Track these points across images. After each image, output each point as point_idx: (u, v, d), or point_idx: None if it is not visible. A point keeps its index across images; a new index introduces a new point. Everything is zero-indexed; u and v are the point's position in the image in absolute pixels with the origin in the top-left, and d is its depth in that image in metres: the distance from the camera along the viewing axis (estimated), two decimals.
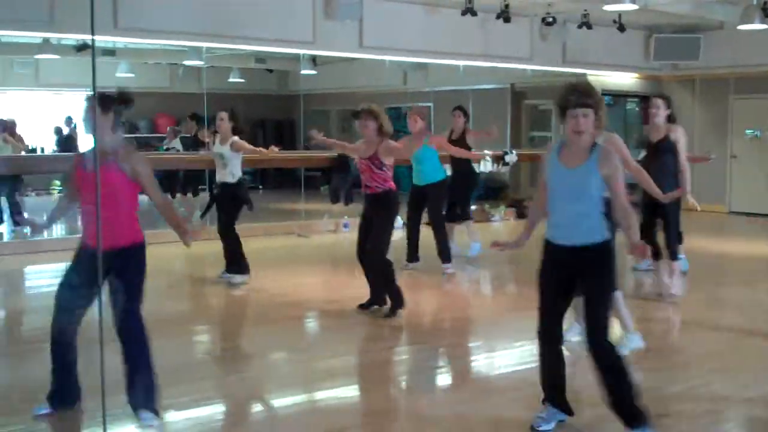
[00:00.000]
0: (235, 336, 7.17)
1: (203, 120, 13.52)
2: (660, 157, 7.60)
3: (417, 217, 9.45)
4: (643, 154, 8.10)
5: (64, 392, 4.79)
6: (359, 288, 7.42)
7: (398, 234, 8.49)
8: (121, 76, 17.15)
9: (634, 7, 11.32)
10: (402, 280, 7.57)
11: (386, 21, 12.48)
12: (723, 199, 15.78)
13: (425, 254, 9.50)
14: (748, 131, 15.53)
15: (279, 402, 5.24)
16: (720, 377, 5.90)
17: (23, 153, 14.05)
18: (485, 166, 12.09)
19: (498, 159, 10.81)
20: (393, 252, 7.42)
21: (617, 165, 4.36)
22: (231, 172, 8.49)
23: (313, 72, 17.01)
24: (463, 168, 10.48)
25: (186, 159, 13.45)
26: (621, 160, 4.97)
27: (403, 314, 7.15)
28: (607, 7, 11.64)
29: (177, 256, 9.33)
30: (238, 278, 8.57)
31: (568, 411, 4.64)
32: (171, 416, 4.77)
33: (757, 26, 12.39)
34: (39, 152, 17.43)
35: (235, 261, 8.64)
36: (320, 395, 5.41)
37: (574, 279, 4.45)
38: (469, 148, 10.22)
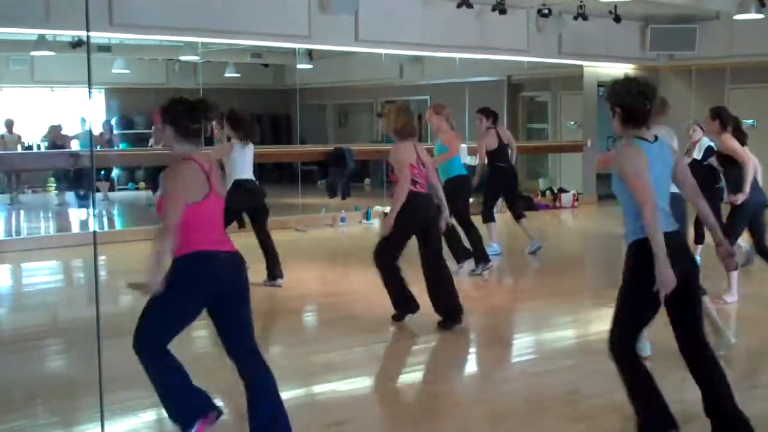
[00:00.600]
0: None
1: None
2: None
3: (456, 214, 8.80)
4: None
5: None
6: (357, 282, 7.42)
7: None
8: (116, 72, 17.15)
9: None
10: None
11: (382, 14, 12.46)
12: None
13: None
14: (744, 121, 15.52)
15: None
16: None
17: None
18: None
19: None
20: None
21: (621, 163, 4.15)
22: (230, 175, 8.40)
23: (309, 66, 17.00)
24: (489, 169, 10.31)
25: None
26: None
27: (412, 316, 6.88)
28: None
29: None
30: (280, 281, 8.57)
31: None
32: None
33: (753, 16, 12.40)
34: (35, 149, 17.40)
35: (274, 265, 8.59)
36: (318, 389, 5.42)
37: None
38: (506, 147, 10.24)
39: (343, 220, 13.17)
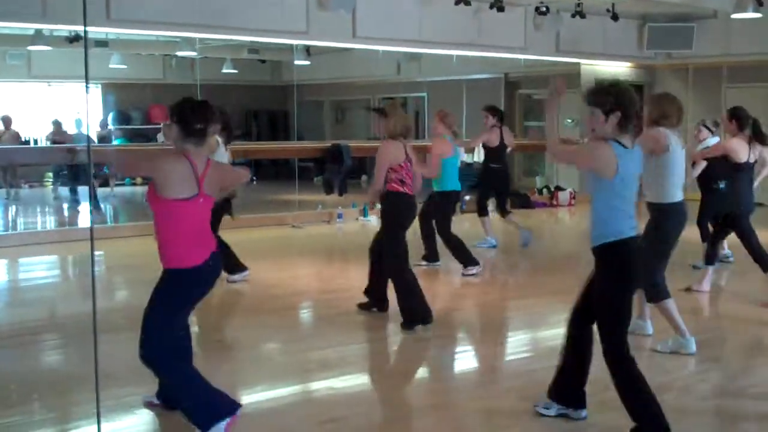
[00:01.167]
0: (229, 327, 7.17)
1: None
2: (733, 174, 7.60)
3: (429, 218, 8.99)
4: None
5: (167, 394, 4.66)
6: (354, 279, 7.41)
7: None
8: (113, 67, 17.12)
9: None
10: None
11: (380, 11, 12.45)
12: None
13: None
14: None
15: (273, 393, 5.25)
16: (716, 366, 5.93)
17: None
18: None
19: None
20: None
21: (594, 156, 4.29)
22: None
23: (307, 62, 16.99)
24: (485, 165, 10.50)
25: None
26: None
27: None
28: None
29: None
30: (236, 277, 8.46)
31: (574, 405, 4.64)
32: (164, 408, 4.77)
33: (751, 15, 12.41)
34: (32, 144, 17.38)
35: (230, 260, 8.46)
36: (315, 386, 5.42)
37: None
38: (505, 147, 10.34)
39: (339, 216, 13.18)
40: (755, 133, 7.72)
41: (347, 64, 17.63)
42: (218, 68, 18.16)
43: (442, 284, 8.77)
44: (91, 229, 3.35)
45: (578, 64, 15.78)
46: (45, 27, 12.96)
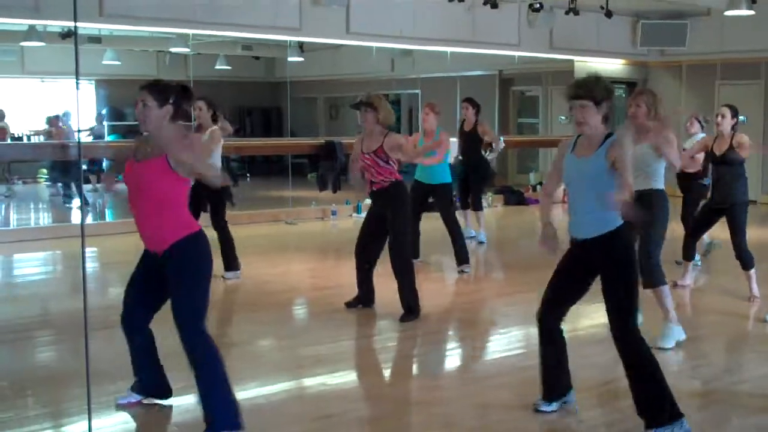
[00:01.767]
0: (222, 323, 7.16)
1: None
2: (726, 170, 7.55)
3: (418, 213, 9.04)
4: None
5: (147, 384, 4.72)
6: (347, 276, 7.41)
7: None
8: (107, 63, 17.08)
9: None
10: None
11: (373, 7, 12.44)
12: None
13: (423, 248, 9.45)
14: None
15: (266, 389, 5.25)
16: (709, 360, 5.96)
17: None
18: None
19: (485, 147, 10.90)
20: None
21: (626, 149, 4.30)
22: (213, 164, 8.25)
23: (300, 59, 16.96)
24: (474, 158, 10.60)
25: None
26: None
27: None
28: None
29: None
30: (230, 275, 8.46)
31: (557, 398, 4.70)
32: (152, 408, 4.78)
33: (744, 12, 12.40)
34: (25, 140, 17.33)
35: (229, 257, 8.49)
36: (307, 382, 5.42)
37: (589, 272, 4.46)
38: (481, 141, 10.44)
39: (333, 213, 13.18)
40: None
41: (341, 61, 17.61)
42: (211, 65, 18.12)
43: (435, 280, 8.78)
44: (82, 225, 3.30)
45: (572, 61, 15.78)
46: (38, 23, 12.92)
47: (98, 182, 16.18)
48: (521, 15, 14.12)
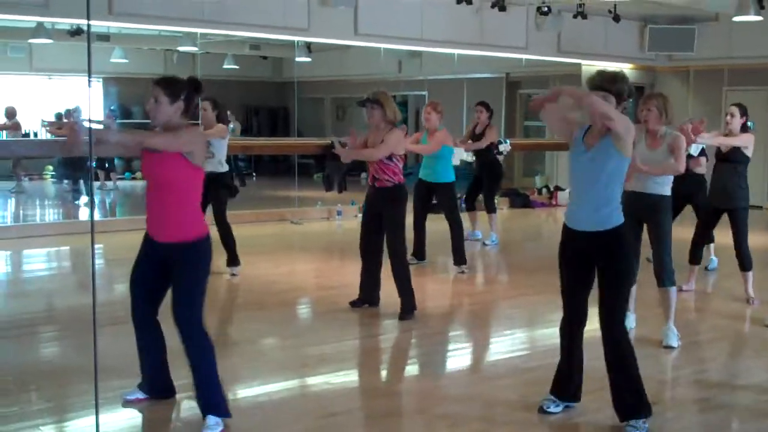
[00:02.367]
0: (227, 322, 7.19)
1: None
2: (732, 168, 7.55)
3: (424, 213, 9.19)
4: None
5: (153, 383, 4.77)
6: (352, 275, 7.43)
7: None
8: (115, 61, 17.13)
9: None
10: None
11: (381, 8, 12.47)
12: None
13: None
14: None
15: (270, 387, 5.26)
16: (711, 366, 5.96)
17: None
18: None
19: (493, 147, 10.94)
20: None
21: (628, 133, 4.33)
22: (220, 161, 8.31)
23: (308, 59, 16.98)
24: (487, 160, 10.66)
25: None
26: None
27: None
28: None
29: None
30: (236, 270, 8.49)
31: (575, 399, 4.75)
32: (158, 403, 4.80)
33: (752, 18, 12.41)
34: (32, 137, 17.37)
35: (232, 252, 8.51)
36: (312, 381, 5.43)
37: (588, 262, 4.49)
38: (492, 143, 10.59)
39: (339, 213, 13.20)
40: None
41: (348, 62, 17.63)
42: (219, 64, 18.16)
43: (439, 281, 8.79)
44: (92, 222, 3.33)
45: (579, 64, 15.79)
46: (47, 20, 12.96)
47: (106, 179, 16.24)
48: (529, 18, 14.13)
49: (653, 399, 4.63)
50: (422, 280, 8.31)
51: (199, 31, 12.88)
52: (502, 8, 12.81)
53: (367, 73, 17.22)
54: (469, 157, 11.03)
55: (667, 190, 6.14)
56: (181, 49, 15.85)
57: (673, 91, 16.21)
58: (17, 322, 6.82)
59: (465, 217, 10.93)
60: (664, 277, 6.12)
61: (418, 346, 6.42)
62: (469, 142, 10.64)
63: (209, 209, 7.97)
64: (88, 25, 3.53)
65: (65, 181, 15.60)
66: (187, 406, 4.74)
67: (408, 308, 6.89)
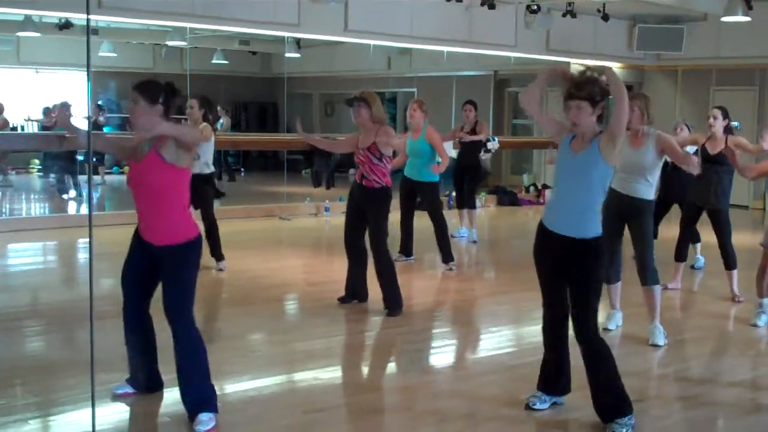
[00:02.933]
0: (215, 317, 7.18)
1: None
2: (717, 170, 7.59)
3: (410, 210, 9.18)
4: None
5: (142, 377, 4.78)
6: (340, 271, 7.44)
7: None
8: (103, 55, 17.07)
9: None
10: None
11: (371, 5, 12.46)
12: None
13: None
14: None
15: (259, 382, 5.26)
16: (697, 363, 6.00)
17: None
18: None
19: (480, 146, 10.98)
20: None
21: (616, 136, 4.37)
22: (206, 162, 8.27)
23: (297, 55, 16.97)
24: (471, 158, 10.72)
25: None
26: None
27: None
28: None
29: None
30: (222, 265, 8.50)
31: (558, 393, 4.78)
32: (146, 398, 4.80)
33: (740, 18, 12.47)
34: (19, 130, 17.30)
35: (217, 247, 8.52)
36: (300, 376, 5.44)
37: (561, 263, 4.51)
38: (479, 141, 10.65)
39: (327, 209, 13.20)
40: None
41: (337, 58, 17.63)
42: (208, 59, 18.14)
43: (426, 278, 8.81)
44: (90, 216, 3.32)
45: (568, 63, 15.81)
46: (35, 13, 12.91)
47: (94, 173, 16.18)
48: (518, 16, 14.14)
49: (639, 396, 4.67)
50: (409, 277, 8.33)
51: (189, 25, 12.86)
52: (492, 6, 12.82)
53: (357, 70, 17.25)
54: (454, 153, 11.07)
55: (651, 194, 6.17)
56: (170, 43, 15.82)
57: (661, 90, 16.31)
58: (3, 316, 6.79)
59: (454, 214, 11.01)
60: (647, 276, 6.16)
61: (406, 342, 6.43)
62: (463, 133, 10.71)
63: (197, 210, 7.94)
64: (87, 20, 3.53)
65: (51, 176, 15.54)
66: (176, 399, 4.75)
67: (394, 305, 6.90)
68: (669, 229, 8.91)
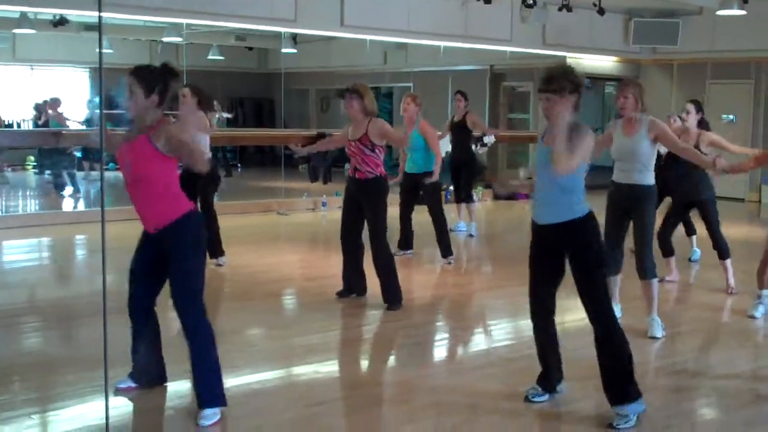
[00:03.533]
0: (214, 312, 7.13)
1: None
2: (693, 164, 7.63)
3: (410, 205, 9.21)
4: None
5: (146, 372, 4.79)
6: (338, 266, 7.45)
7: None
8: (102, 51, 17.02)
9: None
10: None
11: (367, 0, 12.47)
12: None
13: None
14: (724, 116, 15.68)
15: (260, 376, 5.28)
16: (696, 355, 6.03)
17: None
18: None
19: (476, 140, 10.99)
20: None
21: (587, 139, 4.40)
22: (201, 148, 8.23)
23: (293, 50, 16.97)
24: (464, 150, 10.71)
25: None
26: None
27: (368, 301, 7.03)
28: None
29: None
30: (222, 260, 8.52)
31: (551, 389, 4.79)
32: (149, 392, 4.82)
33: (735, 12, 12.50)
34: (15, 127, 17.29)
35: (217, 242, 8.53)
36: (299, 370, 5.47)
37: (557, 255, 4.53)
38: (470, 131, 10.54)
39: (324, 204, 13.22)
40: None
41: (334, 53, 17.64)
42: (204, 54, 18.12)
43: (425, 272, 8.83)
44: (102, 211, 3.33)
45: (564, 57, 15.85)
46: (30, 10, 12.92)
47: (91, 170, 16.18)
48: (514, 11, 14.16)
49: (639, 388, 4.68)
50: (408, 271, 8.35)
51: (186, 21, 12.86)
52: (488, 1, 12.84)
53: (353, 65, 17.25)
54: (449, 146, 11.08)
55: (650, 180, 6.17)
56: (166, 39, 15.81)
57: (656, 84, 16.33)
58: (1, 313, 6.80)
59: (453, 209, 11.03)
60: (646, 269, 6.19)
61: (405, 335, 6.45)
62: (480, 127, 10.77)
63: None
64: (99, 18, 3.57)
65: (47, 172, 15.52)
66: (179, 393, 4.77)
67: (394, 300, 6.92)
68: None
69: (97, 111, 17.73)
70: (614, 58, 16.68)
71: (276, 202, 13.17)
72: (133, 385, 4.80)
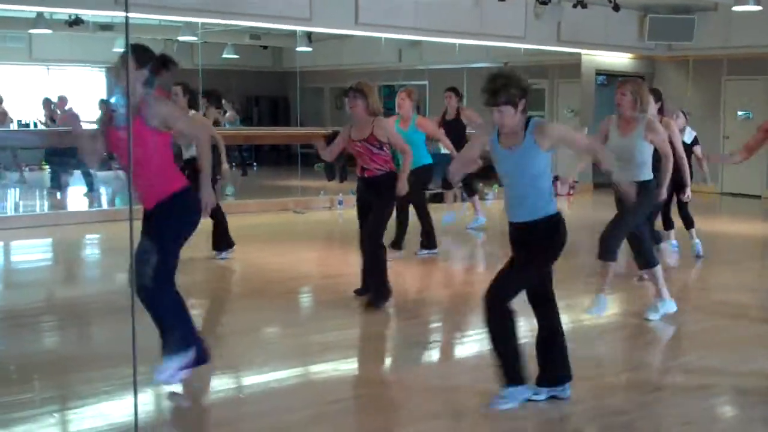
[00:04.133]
0: (230, 311, 7.23)
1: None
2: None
3: (407, 202, 9.04)
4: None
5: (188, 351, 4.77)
6: (354, 264, 7.47)
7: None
8: (117, 51, 17.08)
9: None
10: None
11: None
12: (715, 179, 15.86)
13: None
14: (740, 112, 15.62)
15: (274, 375, 5.30)
16: (713, 353, 6.01)
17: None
18: None
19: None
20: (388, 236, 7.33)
21: (558, 128, 4.54)
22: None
23: (308, 49, 16.99)
24: (460, 146, 10.65)
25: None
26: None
27: (388, 304, 6.91)
28: None
29: None
30: (224, 254, 8.55)
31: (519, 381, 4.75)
32: (165, 389, 4.84)
33: (751, 8, 12.45)
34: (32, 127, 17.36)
35: (224, 236, 8.58)
36: (315, 368, 5.49)
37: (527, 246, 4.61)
38: (464, 127, 10.43)
39: (340, 203, 13.24)
40: None
41: (348, 52, 17.64)
42: (219, 53, 18.17)
43: (441, 270, 8.84)
44: (130, 209, 3.30)
45: (579, 54, 15.83)
46: (46, 10, 12.98)
47: (109, 170, 16.22)
48: (528, 7, 14.14)
49: (657, 386, 4.67)
50: (423, 270, 8.36)
51: (202, 20, 12.90)
52: None
53: (368, 63, 17.26)
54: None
55: (648, 175, 6.19)
56: (181, 38, 15.85)
57: (672, 81, 16.28)
58: (17, 312, 6.83)
59: (468, 206, 11.01)
60: (648, 261, 6.32)
61: (422, 333, 6.45)
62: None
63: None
64: (126, 18, 3.65)
65: (49, 170, 15.53)
66: (212, 388, 4.79)
67: (379, 297, 6.82)
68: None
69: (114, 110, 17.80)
70: (629, 55, 16.62)
71: (292, 201, 13.21)
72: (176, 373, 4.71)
